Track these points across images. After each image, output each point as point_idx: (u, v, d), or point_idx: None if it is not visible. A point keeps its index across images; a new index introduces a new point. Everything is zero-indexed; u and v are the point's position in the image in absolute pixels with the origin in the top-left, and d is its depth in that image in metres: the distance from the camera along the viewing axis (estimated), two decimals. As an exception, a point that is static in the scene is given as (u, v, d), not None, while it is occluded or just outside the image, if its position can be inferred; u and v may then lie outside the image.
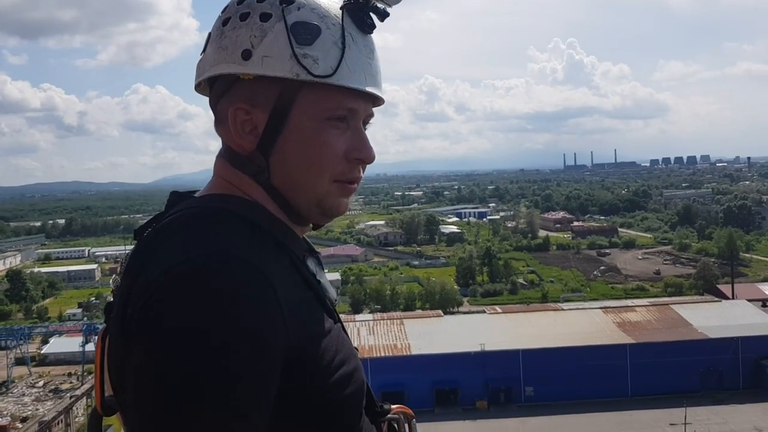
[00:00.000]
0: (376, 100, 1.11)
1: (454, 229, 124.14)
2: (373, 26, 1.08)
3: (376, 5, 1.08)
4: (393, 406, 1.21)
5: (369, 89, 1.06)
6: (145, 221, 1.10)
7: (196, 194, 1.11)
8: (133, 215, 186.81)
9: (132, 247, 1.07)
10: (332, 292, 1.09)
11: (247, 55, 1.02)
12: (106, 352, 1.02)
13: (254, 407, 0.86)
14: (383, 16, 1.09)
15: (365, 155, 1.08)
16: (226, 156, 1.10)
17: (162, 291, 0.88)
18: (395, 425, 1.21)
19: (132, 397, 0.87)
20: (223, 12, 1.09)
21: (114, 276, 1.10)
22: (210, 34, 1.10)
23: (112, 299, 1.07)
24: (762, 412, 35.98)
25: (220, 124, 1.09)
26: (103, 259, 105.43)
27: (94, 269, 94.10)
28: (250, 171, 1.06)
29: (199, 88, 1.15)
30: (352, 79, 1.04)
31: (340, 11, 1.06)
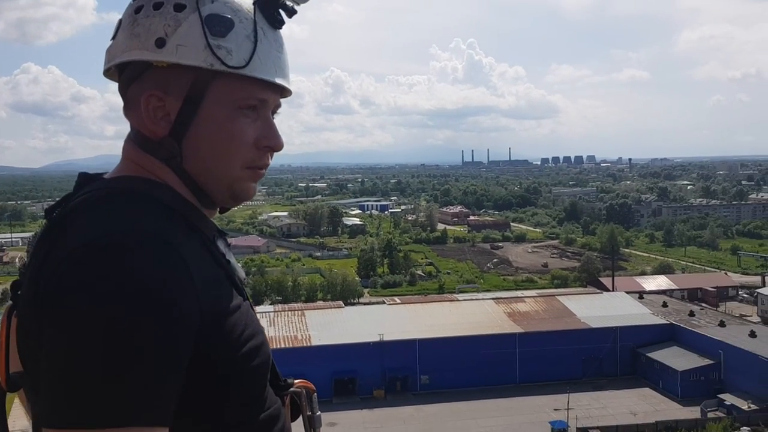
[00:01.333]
0: (284, 91, 1.17)
1: (356, 221, 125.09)
2: (283, 22, 1.15)
3: (285, 3, 1.15)
4: (295, 381, 1.29)
5: (278, 81, 1.12)
6: (54, 202, 1.12)
7: (105, 176, 1.13)
8: (20, 201, 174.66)
9: (42, 227, 1.08)
10: (241, 272, 1.14)
11: (161, 43, 1.05)
12: (11, 330, 1.04)
13: (167, 378, 0.90)
14: (291, 13, 1.16)
15: (274, 143, 1.14)
16: (136, 140, 1.13)
17: (75, 266, 0.90)
18: (297, 399, 1.29)
19: (45, 371, 0.88)
20: (134, 0, 1.11)
21: (20, 255, 1.07)
22: (121, 20, 1.13)
23: (19, 278, 1.09)
24: (637, 398, 38.82)
25: (130, 109, 1.13)
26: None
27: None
28: (161, 155, 1.10)
29: (108, 73, 1.17)
30: (263, 71, 1.10)
31: (252, 6, 1.11)
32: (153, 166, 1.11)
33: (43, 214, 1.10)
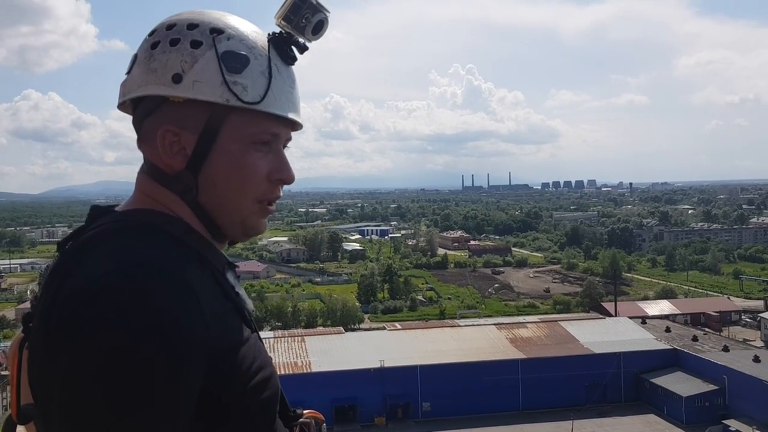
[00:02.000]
0: (295, 125, 1.20)
1: (356, 246, 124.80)
2: (295, 59, 1.17)
3: (297, 40, 1.17)
4: (305, 411, 1.29)
5: (291, 116, 1.16)
6: (67, 234, 1.12)
7: (117, 209, 1.14)
8: (20, 227, 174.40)
9: (54, 259, 1.08)
10: (249, 303, 1.15)
11: (177, 78, 1.07)
12: (23, 362, 1.04)
13: (177, 412, 0.91)
14: (303, 49, 1.18)
15: (286, 176, 1.17)
16: (150, 173, 1.14)
17: (88, 299, 0.91)
18: (306, 430, 1.27)
19: (57, 402, 0.89)
20: (150, 35, 1.13)
21: (31, 287, 1.09)
22: (136, 55, 1.14)
23: (31, 310, 1.09)
24: (642, 424, 38.23)
25: (144, 142, 1.14)
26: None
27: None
28: (177, 189, 1.11)
29: (122, 106, 1.19)
30: (277, 106, 1.12)
31: (267, 43, 1.14)
32: (167, 200, 1.12)
33: (56, 247, 1.10)
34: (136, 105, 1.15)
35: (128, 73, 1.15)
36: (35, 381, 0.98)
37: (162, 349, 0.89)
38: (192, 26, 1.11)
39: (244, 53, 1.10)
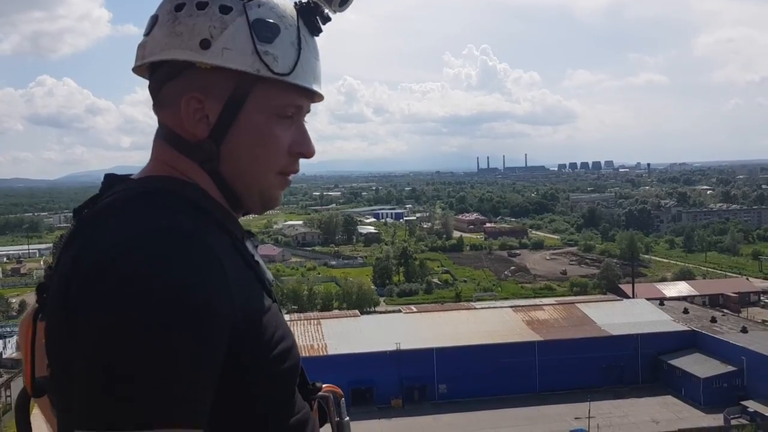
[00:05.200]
0: (315, 97, 1.16)
1: (371, 229, 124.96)
2: (321, 30, 1.14)
3: (323, 10, 1.13)
4: (324, 385, 1.25)
5: (315, 88, 1.13)
6: (80, 203, 1.09)
7: (133, 176, 1.10)
8: (37, 213, 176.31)
9: (70, 227, 1.05)
10: (269, 274, 1.12)
11: (206, 44, 1.03)
12: (38, 333, 1.02)
13: (202, 379, 0.88)
14: (326, 20, 1.15)
15: (306, 149, 1.14)
16: (168, 140, 1.10)
17: (110, 266, 0.88)
18: (323, 404, 1.26)
19: (80, 373, 0.86)
20: None
21: (45, 257, 1.02)
22: (156, 16, 1.09)
23: (45, 280, 1.05)
24: (659, 405, 38.17)
25: (164, 108, 1.10)
26: (5, 259, 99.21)
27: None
28: (198, 157, 1.08)
29: (138, 69, 1.14)
30: (304, 79, 1.10)
31: (295, 13, 1.11)
32: (186, 167, 1.08)
33: (72, 214, 1.08)
34: (154, 69, 1.09)
35: (147, 34, 1.10)
36: (53, 351, 0.96)
37: (188, 314, 0.87)
38: None
39: (274, 22, 1.07)
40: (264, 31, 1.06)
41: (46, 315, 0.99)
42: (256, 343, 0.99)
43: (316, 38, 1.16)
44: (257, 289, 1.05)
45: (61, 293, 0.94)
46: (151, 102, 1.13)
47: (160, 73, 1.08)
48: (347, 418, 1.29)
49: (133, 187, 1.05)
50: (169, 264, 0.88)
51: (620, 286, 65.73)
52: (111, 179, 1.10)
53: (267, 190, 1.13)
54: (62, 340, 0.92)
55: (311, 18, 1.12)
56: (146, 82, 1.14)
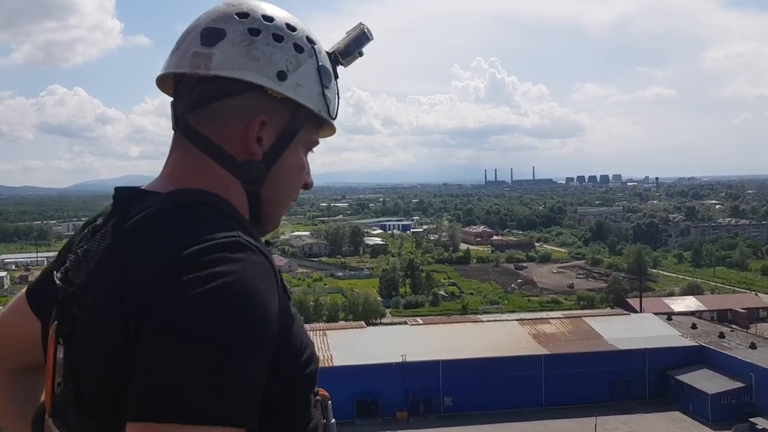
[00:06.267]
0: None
1: (378, 241, 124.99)
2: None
3: (341, 60, 1.27)
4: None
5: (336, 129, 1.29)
6: (88, 218, 1.12)
7: (157, 188, 1.11)
8: (46, 221, 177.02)
9: (108, 239, 1.04)
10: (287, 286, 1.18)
11: (282, 76, 1.11)
12: (61, 349, 1.03)
13: (258, 380, 0.92)
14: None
15: (310, 181, 1.25)
16: (212, 153, 1.11)
17: (183, 269, 0.90)
18: (322, 406, 1.30)
19: (142, 365, 0.88)
20: (241, 17, 1.12)
21: (57, 275, 1.07)
22: (223, 31, 1.11)
23: (64, 296, 1.06)
24: (666, 421, 37.81)
25: (212, 121, 1.11)
26: (13, 267, 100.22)
27: (3, 277, 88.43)
28: (243, 176, 1.12)
29: (164, 77, 1.17)
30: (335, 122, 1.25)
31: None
32: (226, 183, 1.11)
33: (89, 230, 1.12)
34: (197, 81, 1.11)
35: (209, 45, 1.10)
36: (89, 365, 0.97)
37: (258, 326, 0.91)
38: (291, 28, 1.15)
39: (331, 70, 1.21)
40: (325, 75, 1.18)
41: (81, 331, 1.00)
42: (290, 350, 1.04)
43: None
44: (286, 297, 1.07)
45: (112, 308, 0.94)
46: (160, 111, 1.18)
47: (216, 87, 1.10)
48: (333, 420, 1.34)
49: (172, 199, 1.05)
50: (242, 274, 0.92)
51: (628, 300, 65.22)
52: (128, 192, 1.10)
53: (281, 215, 1.23)
54: (107, 354, 0.94)
55: (337, 65, 1.25)
56: (158, 92, 1.18)
